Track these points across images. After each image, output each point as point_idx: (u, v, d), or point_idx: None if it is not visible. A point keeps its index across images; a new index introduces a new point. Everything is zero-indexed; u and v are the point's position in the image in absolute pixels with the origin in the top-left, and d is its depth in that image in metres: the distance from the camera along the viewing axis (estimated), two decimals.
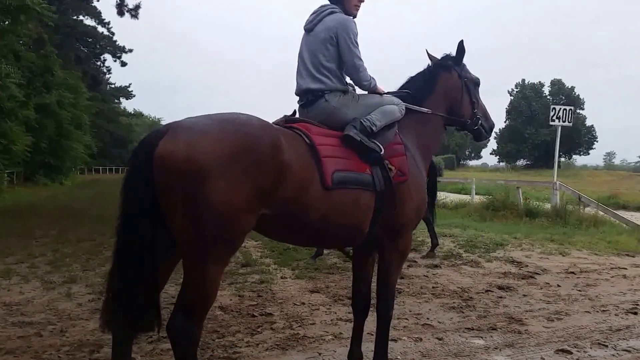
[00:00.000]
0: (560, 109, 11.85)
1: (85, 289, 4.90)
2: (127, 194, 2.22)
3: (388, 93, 3.08)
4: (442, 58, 3.25)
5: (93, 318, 4.03)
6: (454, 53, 3.26)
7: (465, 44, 3.24)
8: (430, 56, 3.32)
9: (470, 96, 3.24)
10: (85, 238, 8.06)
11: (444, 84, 3.19)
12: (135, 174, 2.21)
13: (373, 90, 2.98)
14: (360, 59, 2.86)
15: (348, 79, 3.08)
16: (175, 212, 2.13)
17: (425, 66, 3.26)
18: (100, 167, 51.72)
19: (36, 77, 18.44)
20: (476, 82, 3.30)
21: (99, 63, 34.43)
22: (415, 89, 3.14)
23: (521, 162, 64.96)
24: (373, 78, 2.94)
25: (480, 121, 3.28)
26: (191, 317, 2.22)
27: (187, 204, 2.10)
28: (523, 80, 66.49)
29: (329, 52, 2.85)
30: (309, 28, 2.97)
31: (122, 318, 2.26)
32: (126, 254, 2.24)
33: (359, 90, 3.15)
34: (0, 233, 8.59)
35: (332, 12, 2.92)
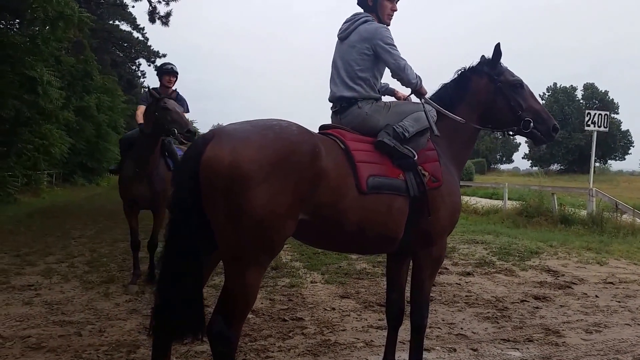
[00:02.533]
0: (596, 114, 11.51)
1: (122, 289, 5.03)
2: (175, 197, 2.31)
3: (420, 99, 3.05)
4: (479, 62, 3.18)
5: (130, 318, 4.14)
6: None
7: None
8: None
9: (508, 100, 3.09)
10: (121, 239, 8.27)
11: (473, 89, 3.11)
12: (183, 178, 2.29)
13: (419, 89, 2.95)
14: (403, 59, 2.86)
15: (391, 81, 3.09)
16: (218, 217, 2.20)
17: (457, 71, 3.19)
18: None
19: (76, 80, 19.06)
20: (515, 85, 3.12)
21: (134, 67, 35.50)
22: (448, 96, 3.09)
23: (554, 167, 63.34)
24: (419, 77, 2.92)
25: (532, 124, 3.10)
26: (230, 321, 2.27)
27: (230, 208, 2.16)
28: (555, 83, 65.24)
29: (364, 62, 2.88)
30: (343, 37, 2.99)
31: (166, 322, 2.33)
32: (172, 256, 2.32)
33: (389, 99, 3.16)
34: (40, 233, 8.93)
35: (366, 21, 2.94)
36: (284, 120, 2.44)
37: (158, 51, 30.82)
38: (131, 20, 29.09)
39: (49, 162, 16.26)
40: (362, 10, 3.05)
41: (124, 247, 7.52)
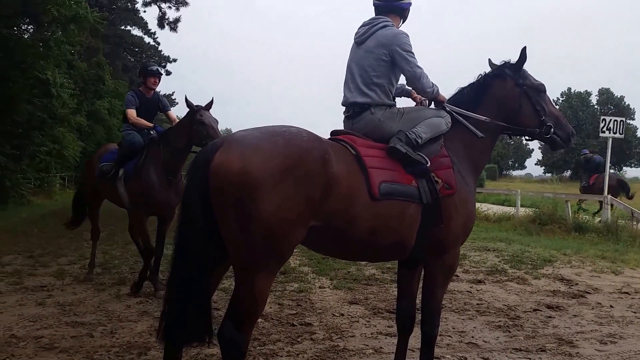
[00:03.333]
0: (611, 120, 11.33)
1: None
2: (184, 204, 2.33)
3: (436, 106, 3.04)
4: (499, 66, 3.14)
5: (141, 320, 4.17)
6: (513, 60, 3.12)
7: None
8: (491, 64, 3.22)
9: (532, 104, 3.05)
10: (131, 241, 8.28)
11: (497, 93, 3.05)
12: (192, 185, 2.30)
13: (436, 97, 2.94)
14: (420, 67, 2.85)
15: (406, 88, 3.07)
16: (228, 224, 2.20)
17: (477, 76, 3.15)
18: None
19: (88, 85, 19.27)
20: (539, 89, 3.09)
21: None
22: (465, 101, 3.05)
23: (567, 173, 62.53)
24: (435, 85, 2.91)
25: (553, 129, 3.07)
26: (240, 326, 2.27)
27: (240, 215, 2.16)
28: (569, 88, 64.43)
29: (380, 68, 2.86)
30: (360, 41, 2.96)
31: (174, 327, 2.35)
32: (181, 262, 2.34)
33: (405, 100, 3.15)
34: (52, 234, 9.05)
35: (385, 26, 2.91)
36: (294, 127, 2.43)
37: (169, 56, 31.10)
38: (142, 25, 29.26)
39: (61, 165, 16.45)
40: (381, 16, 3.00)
41: (135, 249, 7.53)
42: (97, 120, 22.00)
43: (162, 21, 19.47)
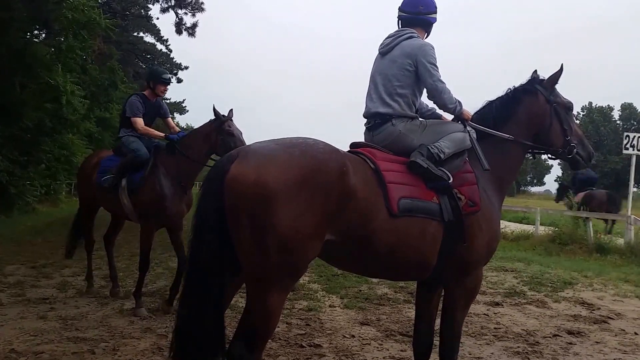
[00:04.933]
0: (635, 136, 11.02)
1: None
2: (199, 217, 2.26)
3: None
4: (529, 81, 3.04)
5: (144, 337, 4.05)
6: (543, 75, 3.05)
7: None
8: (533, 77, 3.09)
9: (561, 123, 2.96)
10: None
11: (528, 109, 2.95)
12: (208, 197, 2.25)
13: (458, 114, 2.85)
14: (443, 82, 2.77)
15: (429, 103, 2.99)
16: (242, 237, 2.14)
17: (506, 90, 3.05)
18: None
19: (100, 90, 19.19)
20: (568, 107, 3.02)
21: None
22: (493, 115, 2.94)
23: None
24: (459, 102, 2.82)
25: (575, 149, 2.99)
26: (251, 345, 2.19)
27: (255, 228, 2.10)
28: (590, 103, 63.39)
29: (404, 78, 2.79)
30: (385, 51, 2.91)
31: (186, 343, 2.26)
32: (194, 276, 2.27)
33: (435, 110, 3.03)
34: (57, 244, 8.86)
35: (410, 37, 2.86)
36: (311, 138, 2.39)
37: (180, 63, 31.06)
38: (155, 32, 29.15)
39: (68, 171, 16.36)
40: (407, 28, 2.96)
41: None
42: (106, 126, 21.82)
43: (179, 27, 19.65)
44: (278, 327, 4.41)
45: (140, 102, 5.11)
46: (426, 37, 3.04)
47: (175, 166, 4.83)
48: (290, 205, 2.10)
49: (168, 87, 5.41)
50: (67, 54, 12.07)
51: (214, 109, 4.89)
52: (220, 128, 4.75)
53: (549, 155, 3.12)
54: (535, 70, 3.10)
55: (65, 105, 12.47)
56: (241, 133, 4.87)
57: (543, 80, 3.02)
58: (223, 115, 4.85)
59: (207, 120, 5.01)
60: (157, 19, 26.25)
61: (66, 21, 11.16)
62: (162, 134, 5.15)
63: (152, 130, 5.22)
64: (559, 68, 3.00)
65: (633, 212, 11.17)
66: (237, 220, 2.14)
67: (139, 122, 5.08)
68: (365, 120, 2.97)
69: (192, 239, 2.29)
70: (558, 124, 2.97)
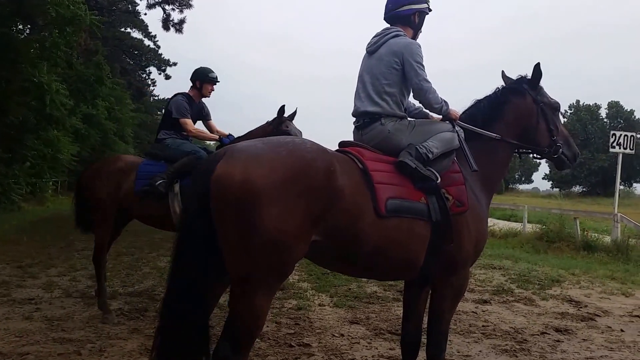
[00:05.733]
0: (621, 135, 11.15)
1: (126, 306, 4.90)
2: (185, 217, 2.25)
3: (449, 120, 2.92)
4: (516, 81, 3.06)
5: (131, 338, 4.00)
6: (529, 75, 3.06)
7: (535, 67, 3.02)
8: (505, 78, 3.13)
9: (547, 123, 2.99)
10: (124, 252, 8.10)
11: (516, 109, 2.97)
12: (194, 195, 2.22)
13: (445, 114, 2.85)
14: (428, 82, 2.76)
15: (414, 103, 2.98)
16: (228, 236, 2.11)
17: (494, 89, 3.06)
18: None
19: (86, 86, 18.87)
20: (555, 107, 3.04)
21: (144, 75, 34.35)
22: (481, 115, 2.95)
23: (576, 189, 61.99)
24: (445, 102, 2.81)
25: (561, 149, 3.03)
26: (237, 347, 2.15)
27: (240, 228, 2.07)
28: (577, 101, 63.94)
29: (392, 76, 2.78)
30: (372, 50, 2.90)
31: (169, 344, 2.24)
32: (179, 275, 2.24)
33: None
34: (43, 243, 8.81)
35: (397, 36, 2.85)
36: (298, 137, 2.41)
37: (169, 59, 30.39)
38: (143, 28, 28.50)
39: (54, 169, 16.04)
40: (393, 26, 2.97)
41: (127, 261, 7.41)
42: (92, 123, 21.33)
43: (166, 23, 19.48)
44: (267, 326, 4.39)
45: (186, 102, 4.82)
46: (416, 33, 3.02)
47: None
48: (277, 206, 2.07)
49: (215, 86, 5.09)
50: (52, 51, 11.82)
51: (281, 108, 4.67)
52: (278, 129, 4.57)
53: (535, 155, 3.15)
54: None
55: (49, 104, 12.22)
56: (300, 133, 4.67)
57: (530, 80, 3.04)
58: (284, 116, 4.67)
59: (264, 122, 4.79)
60: (145, 14, 25.88)
61: (50, 17, 10.94)
62: (216, 136, 4.91)
63: (206, 132, 4.98)
64: (533, 68, 3.00)
65: (619, 210, 11.31)
66: (223, 220, 2.12)
67: (189, 123, 4.77)
68: (354, 119, 2.96)
69: (178, 237, 2.25)
70: (544, 124, 2.99)
